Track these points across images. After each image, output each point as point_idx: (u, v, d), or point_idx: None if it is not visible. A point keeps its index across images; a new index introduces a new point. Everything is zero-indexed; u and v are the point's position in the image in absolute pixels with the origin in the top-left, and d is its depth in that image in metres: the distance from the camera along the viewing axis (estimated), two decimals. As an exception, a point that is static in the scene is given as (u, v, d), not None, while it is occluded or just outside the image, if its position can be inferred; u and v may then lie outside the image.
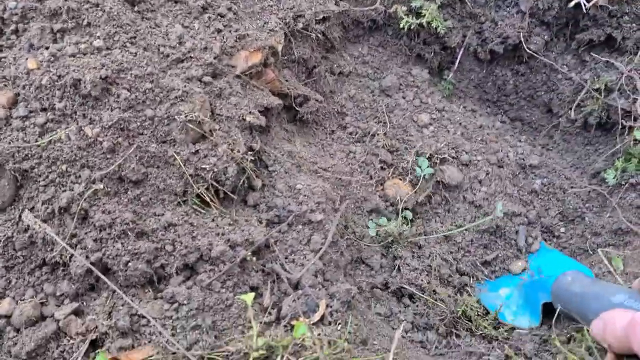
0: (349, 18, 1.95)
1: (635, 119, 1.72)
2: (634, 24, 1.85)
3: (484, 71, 2.07)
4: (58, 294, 1.31)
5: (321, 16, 1.80)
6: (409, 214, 1.87)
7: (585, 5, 1.80)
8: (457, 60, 1.96)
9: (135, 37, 1.45)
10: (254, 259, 1.47)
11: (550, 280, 1.53)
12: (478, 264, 1.80)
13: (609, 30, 1.88)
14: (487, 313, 1.70)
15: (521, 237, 1.81)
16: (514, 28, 1.93)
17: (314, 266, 1.50)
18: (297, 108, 1.78)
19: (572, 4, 1.81)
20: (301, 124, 1.85)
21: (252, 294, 1.33)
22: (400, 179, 1.92)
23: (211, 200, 1.48)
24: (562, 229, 1.85)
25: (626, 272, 1.58)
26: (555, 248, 1.85)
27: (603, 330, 1.03)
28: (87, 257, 1.29)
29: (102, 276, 1.26)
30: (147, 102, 1.39)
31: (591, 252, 1.76)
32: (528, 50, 1.93)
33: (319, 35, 1.80)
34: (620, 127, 1.79)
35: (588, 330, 1.20)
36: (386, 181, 1.91)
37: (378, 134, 1.89)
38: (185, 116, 1.40)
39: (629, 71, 1.78)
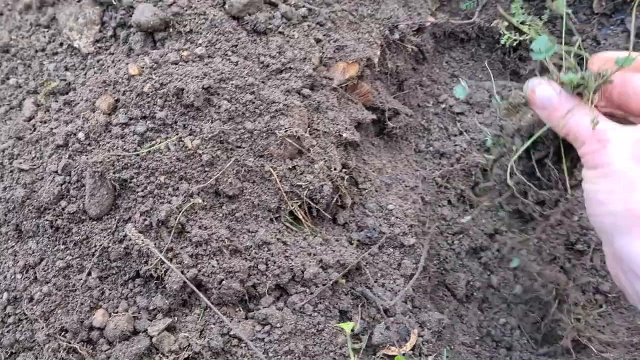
0: (441, 29, 1.87)
1: None
2: None
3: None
4: (151, 308, 1.28)
5: (416, 27, 1.73)
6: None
7: (701, 27, 1.68)
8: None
9: (236, 45, 1.40)
10: (344, 281, 1.42)
11: None
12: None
13: None
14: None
15: None
16: (617, 48, 1.82)
17: (404, 292, 1.44)
18: (386, 122, 1.71)
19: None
20: (388, 139, 1.78)
21: (352, 324, 1.28)
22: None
23: (304, 218, 1.43)
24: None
25: None
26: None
27: None
28: (182, 272, 1.25)
29: (201, 295, 1.22)
30: (247, 114, 1.35)
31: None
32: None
33: (413, 47, 1.72)
34: None
35: None
36: (472, 202, 1.83)
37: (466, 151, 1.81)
38: (285, 131, 1.35)
39: None
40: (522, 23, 1.74)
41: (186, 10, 1.38)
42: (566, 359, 1.63)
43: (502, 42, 1.78)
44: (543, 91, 0.71)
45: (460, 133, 1.86)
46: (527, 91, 0.72)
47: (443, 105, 1.89)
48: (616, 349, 1.57)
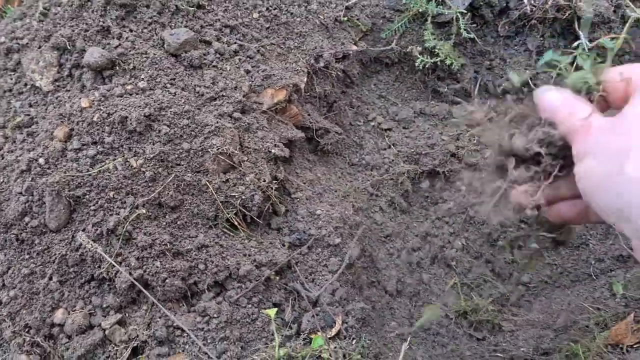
0: (367, 55, 2.11)
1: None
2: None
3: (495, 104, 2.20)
4: (104, 305, 1.48)
5: (341, 55, 1.97)
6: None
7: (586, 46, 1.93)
8: (474, 95, 2.10)
9: (174, 79, 1.64)
10: (277, 278, 1.63)
11: None
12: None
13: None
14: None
15: None
16: (521, 65, 2.07)
17: (331, 286, 1.64)
18: (318, 140, 1.94)
19: (575, 44, 1.94)
20: (322, 154, 2.01)
21: (275, 309, 1.48)
22: (415, 205, 2.05)
23: (239, 224, 1.64)
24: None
25: (626, 296, 1.68)
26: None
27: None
28: (130, 273, 1.46)
29: (145, 290, 1.42)
30: (184, 136, 1.57)
31: (594, 278, 1.86)
32: (534, 87, 2.06)
33: (338, 72, 1.97)
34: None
35: None
36: (401, 207, 2.05)
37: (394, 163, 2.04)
38: (217, 149, 1.57)
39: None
40: (434, 47, 2.00)
41: (130, 50, 1.62)
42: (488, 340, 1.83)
43: (417, 64, 2.03)
44: (551, 95, 0.75)
45: (389, 147, 2.09)
46: (536, 97, 0.76)
47: (372, 123, 2.12)
48: (524, 329, 1.78)
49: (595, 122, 0.69)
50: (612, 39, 1.75)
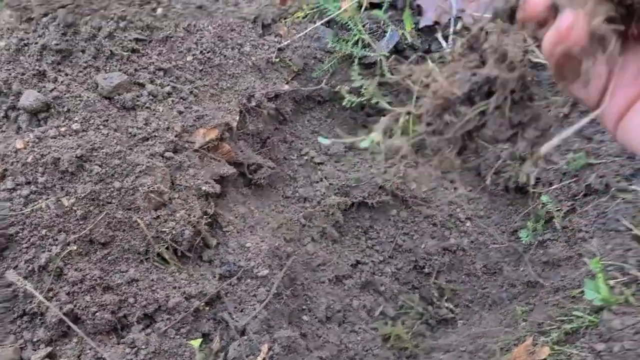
0: (300, 94, 2.24)
1: (543, 185, 2.01)
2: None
3: (422, 139, 2.35)
4: (35, 339, 1.55)
5: (273, 94, 2.09)
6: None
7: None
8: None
9: (107, 120, 1.73)
10: (207, 308, 1.72)
11: None
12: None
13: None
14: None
15: None
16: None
17: (260, 315, 1.74)
18: (250, 175, 2.05)
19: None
20: (256, 188, 2.11)
21: (200, 340, 1.57)
22: (345, 235, 2.17)
23: (170, 258, 1.73)
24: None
25: (530, 320, 1.83)
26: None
27: None
28: (60, 308, 1.53)
29: (73, 325, 1.50)
30: (115, 175, 1.66)
31: (508, 302, 2.01)
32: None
33: (271, 110, 2.08)
34: (532, 192, 2.07)
35: None
36: (332, 237, 2.17)
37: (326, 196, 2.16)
38: (148, 187, 1.66)
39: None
40: (360, 87, 2.13)
41: (65, 94, 1.71)
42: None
43: (344, 104, 2.17)
44: None
45: (321, 180, 2.21)
46: None
47: (306, 157, 2.25)
48: (443, 352, 1.91)
49: None
50: None
